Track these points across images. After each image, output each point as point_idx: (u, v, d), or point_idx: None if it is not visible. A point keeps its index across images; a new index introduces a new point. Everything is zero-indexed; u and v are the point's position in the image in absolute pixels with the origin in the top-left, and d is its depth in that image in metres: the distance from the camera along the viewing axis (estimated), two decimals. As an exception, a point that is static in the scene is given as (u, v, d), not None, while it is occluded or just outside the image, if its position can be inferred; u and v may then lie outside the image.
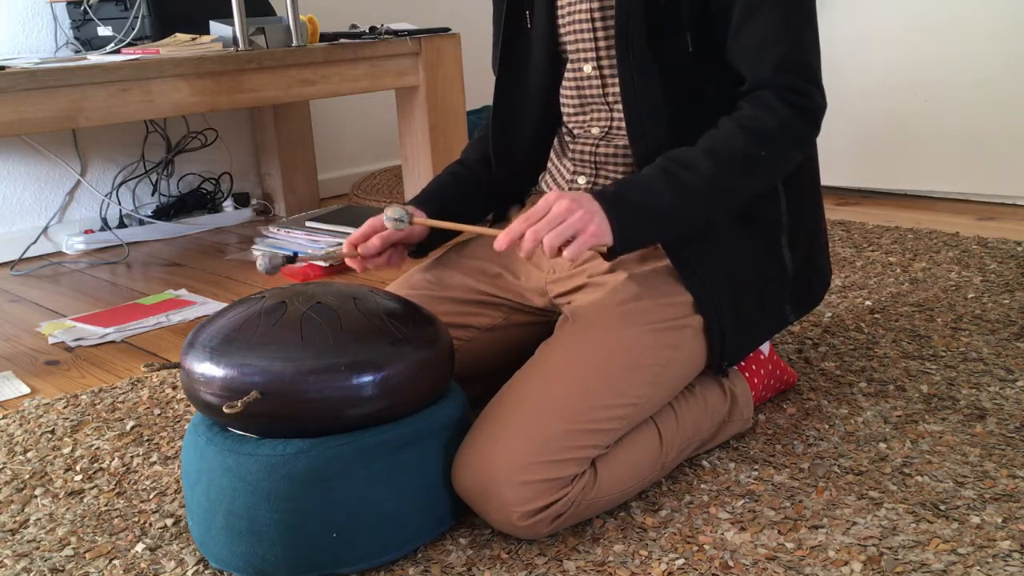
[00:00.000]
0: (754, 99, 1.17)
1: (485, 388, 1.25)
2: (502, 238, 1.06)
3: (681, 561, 1.06)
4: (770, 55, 1.16)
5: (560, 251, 1.05)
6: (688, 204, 1.13)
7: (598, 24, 1.24)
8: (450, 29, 2.66)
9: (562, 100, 1.33)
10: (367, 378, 1.03)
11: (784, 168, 1.22)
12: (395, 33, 2.57)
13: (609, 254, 1.11)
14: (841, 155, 2.76)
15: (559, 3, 1.28)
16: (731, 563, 1.05)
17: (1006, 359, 1.54)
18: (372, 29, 2.60)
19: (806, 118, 1.18)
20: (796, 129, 1.17)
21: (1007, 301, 1.81)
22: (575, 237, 1.05)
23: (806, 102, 1.17)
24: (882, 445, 1.29)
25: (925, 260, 2.10)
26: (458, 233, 1.30)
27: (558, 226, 1.04)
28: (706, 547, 1.09)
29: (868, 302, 1.86)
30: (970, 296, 1.85)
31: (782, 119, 1.15)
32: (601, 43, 1.25)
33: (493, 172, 1.38)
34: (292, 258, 1.19)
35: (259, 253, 1.18)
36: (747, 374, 1.36)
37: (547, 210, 1.06)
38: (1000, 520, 1.10)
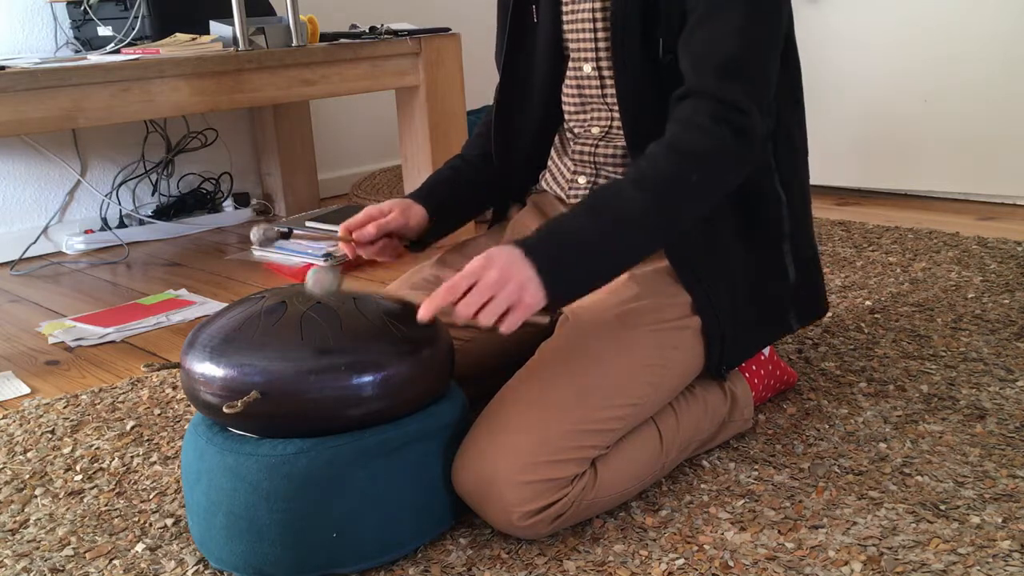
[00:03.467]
0: (685, 118, 1.09)
1: (485, 388, 1.24)
2: (424, 310, 1.01)
3: (681, 561, 1.06)
4: (711, 60, 1.09)
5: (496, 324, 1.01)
6: (619, 239, 1.07)
7: (599, 24, 1.24)
8: (450, 29, 2.66)
9: (563, 99, 1.33)
10: (367, 378, 1.03)
11: (720, 190, 1.13)
12: (395, 33, 2.57)
13: (544, 311, 1.05)
14: (841, 155, 2.76)
15: (564, 0, 1.28)
16: (731, 563, 1.05)
17: (1006, 359, 1.54)
18: (372, 29, 2.60)
19: (743, 136, 1.09)
20: (729, 150, 1.09)
21: (1007, 301, 1.81)
22: (510, 311, 1.00)
23: (741, 119, 1.08)
24: (882, 445, 1.29)
25: (925, 260, 2.10)
26: (460, 227, 1.33)
27: (490, 301, 1.00)
28: (706, 547, 1.09)
29: (868, 302, 1.86)
30: (970, 296, 1.85)
31: (714, 139, 1.07)
32: (601, 43, 1.25)
33: (494, 166, 1.39)
34: (287, 234, 1.19)
35: (255, 226, 1.17)
36: (747, 374, 1.36)
37: (475, 279, 1.00)
38: (1000, 520, 1.10)
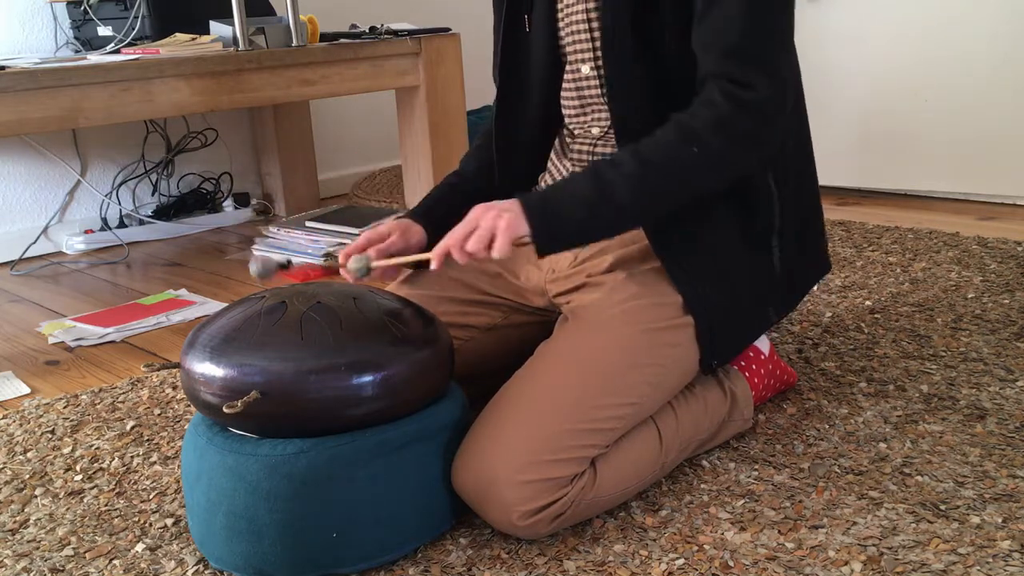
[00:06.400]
0: (699, 97, 1.13)
1: (485, 388, 1.24)
2: (434, 260, 1.11)
3: (681, 561, 1.06)
4: (719, 44, 1.12)
5: (488, 252, 1.09)
6: (609, 200, 1.11)
7: (594, 24, 1.24)
8: (450, 29, 2.66)
9: (563, 102, 1.33)
10: (367, 378, 1.03)
11: (726, 165, 1.14)
12: (395, 33, 2.57)
13: (537, 248, 1.11)
14: (841, 155, 2.76)
15: (559, 5, 1.28)
16: (731, 563, 1.05)
17: (1006, 359, 1.54)
18: (372, 29, 2.60)
19: (747, 112, 1.11)
20: (733, 124, 1.11)
21: (1007, 301, 1.81)
22: (495, 236, 1.08)
23: (747, 94, 1.10)
24: (882, 445, 1.29)
25: (925, 260, 2.10)
26: None
27: (474, 231, 1.09)
28: (706, 547, 1.09)
29: (868, 302, 1.86)
30: (970, 296, 1.85)
31: (717, 114, 1.10)
32: (597, 43, 1.25)
33: (496, 177, 1.38)
34: (286, 265, 1.19)
35: (253, 258, 1.18)
36: (747, 374, 1.36)
37: (468, 220, 1.11)
38: (1000, 520, 1.10)
